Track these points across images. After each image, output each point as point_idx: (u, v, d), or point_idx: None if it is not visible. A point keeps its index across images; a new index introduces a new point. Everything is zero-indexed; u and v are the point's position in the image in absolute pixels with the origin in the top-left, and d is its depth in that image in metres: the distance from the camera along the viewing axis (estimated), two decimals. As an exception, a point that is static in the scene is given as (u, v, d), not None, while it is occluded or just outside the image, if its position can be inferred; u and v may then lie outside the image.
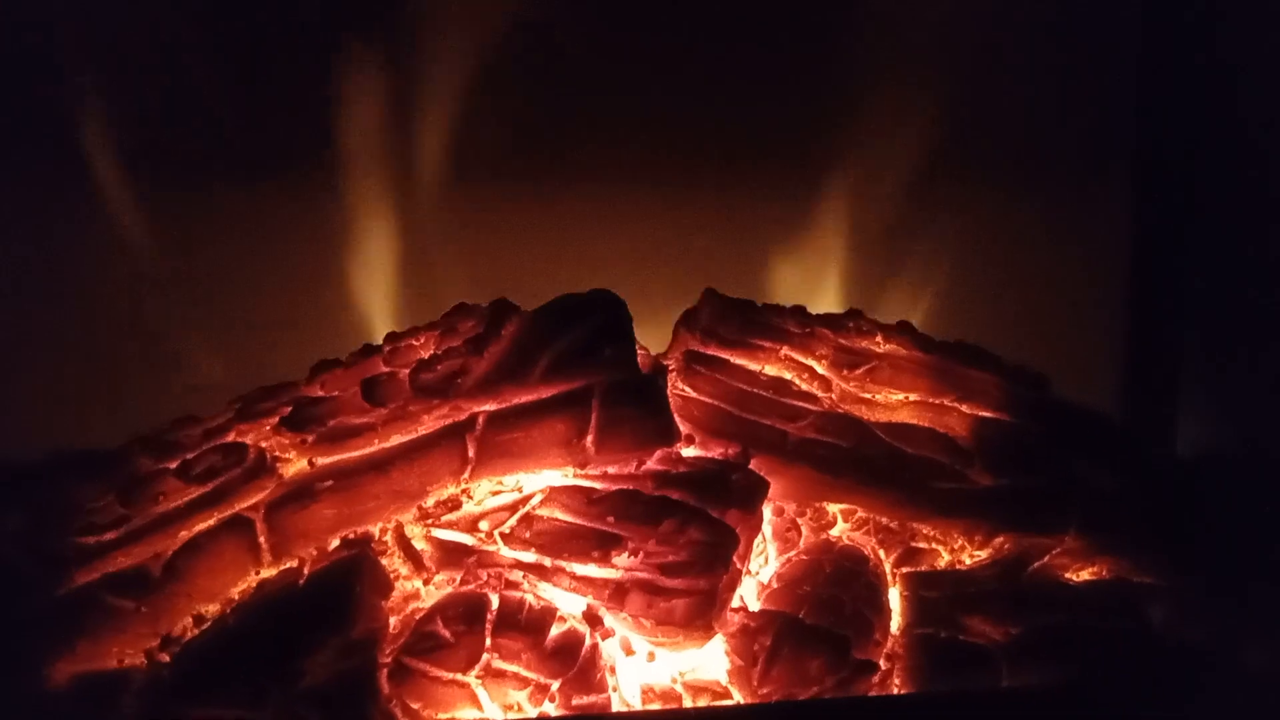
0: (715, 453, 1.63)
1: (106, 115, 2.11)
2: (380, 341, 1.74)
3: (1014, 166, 2.29)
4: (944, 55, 2.23)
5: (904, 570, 1.62)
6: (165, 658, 1.48)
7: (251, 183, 2.13)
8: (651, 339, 1.76)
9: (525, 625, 1.46)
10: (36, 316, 2.12)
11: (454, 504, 1.56)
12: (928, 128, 2.26)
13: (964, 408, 1.75)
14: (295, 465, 1.58)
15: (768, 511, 1.63)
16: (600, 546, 1.49)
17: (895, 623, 1.57)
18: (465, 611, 1.47)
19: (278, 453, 1.59)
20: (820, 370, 1.75)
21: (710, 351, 1.74)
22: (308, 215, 2.15)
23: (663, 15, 2.21)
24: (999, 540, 1.65)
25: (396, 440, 1.57)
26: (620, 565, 1.48)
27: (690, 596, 1.46)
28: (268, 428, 1.61)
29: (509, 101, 2.20)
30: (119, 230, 2.14)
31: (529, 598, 1.49)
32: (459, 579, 1.52)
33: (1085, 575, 1.65)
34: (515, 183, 2.20)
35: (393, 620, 1.49)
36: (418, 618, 1.48)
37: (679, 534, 1.49)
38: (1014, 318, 2.24)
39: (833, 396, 1.73)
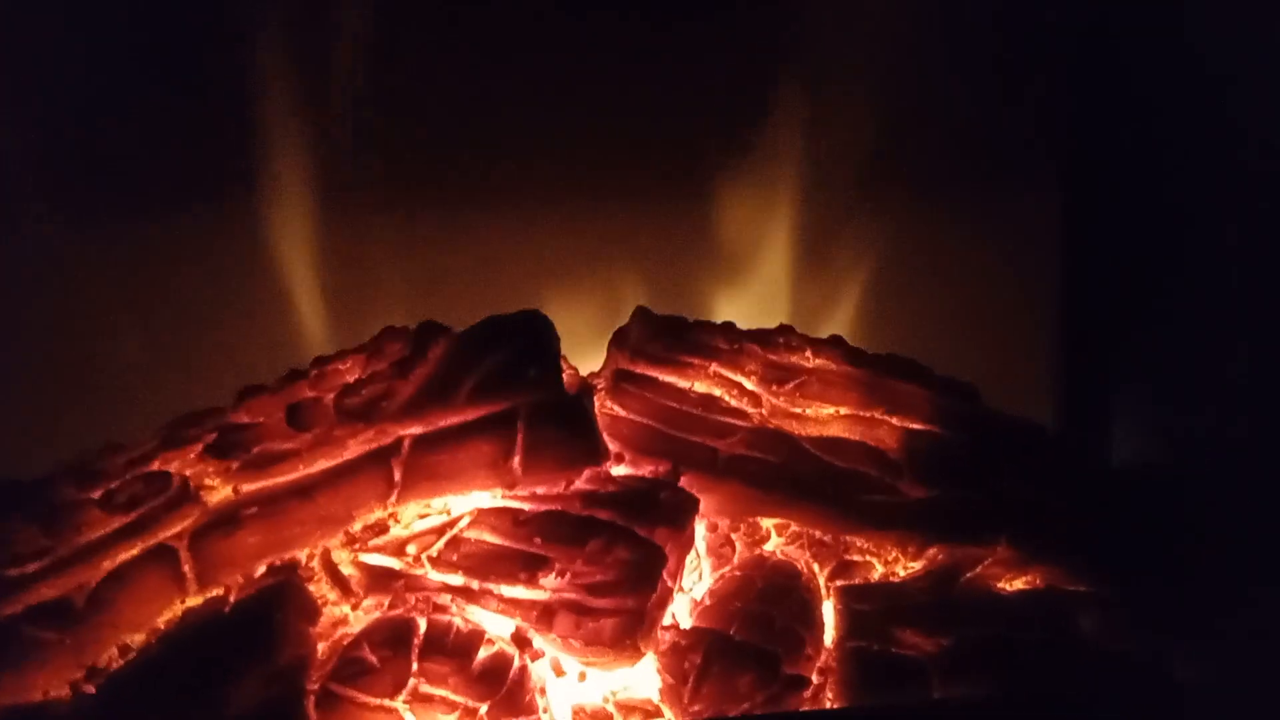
0: (646, 471, 1.63)
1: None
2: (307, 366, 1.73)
3: (942, 173, 2.29)
4: (873, 61, 2.23)
5: (838, 583, 1.63)
6: (90, 689, 1.46)
7: (170, 210, 2.12)
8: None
9: (452, 648, 1.45)
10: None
11: (381, 528, 1.56)
12: (855, 133, 2.26)
13: (894, 420, 1.76)
14: (220, 492, 1.57)
15: (701, 528, 1.64)
16: (527, 568, 1.49)
17: (830, 635, 1.57)
18: (391, 636, 1.46)
19: (203, 480, 1.58)
20: (750, 386, 1.75)
21: (639, 370, 1.74)
22: (233, 242, 2.14)
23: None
24: (932, 551, 1.66)
25: (322, 465, 1.56)
26: (547, 586, 1.48)
27: (618, 616, 1.46)
28: (192, 455, 1.60)
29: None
30: (49, 256, 2.11)
31: (457, 620, 1.48)
32: (387, 603, 1.51)
33: (1018, 584, 1.66)
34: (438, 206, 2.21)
35: (321, 646, 1.49)
36: (345, 643, 1.48)
37: (605, 553, 1.49)
38: (945, 328, 2.24)
39: (763, 412, 1.73)
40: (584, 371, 1.77)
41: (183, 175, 2.11)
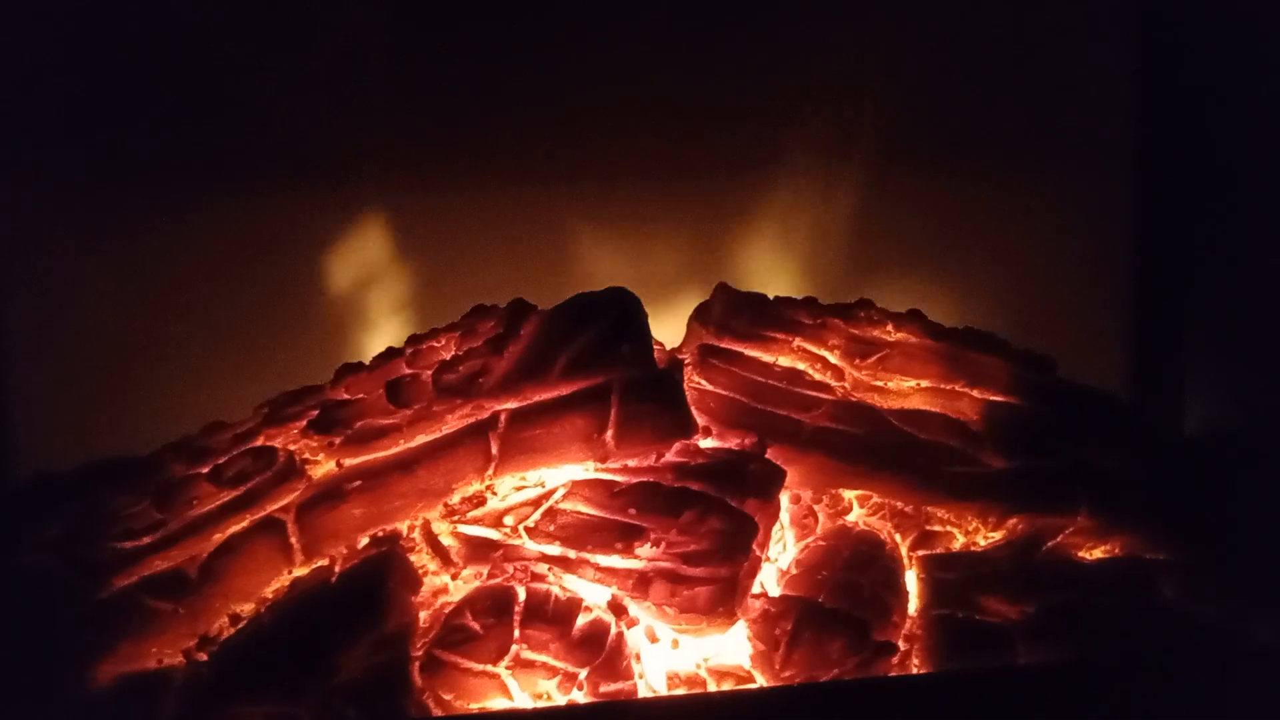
0: (732, 443, 1.67)
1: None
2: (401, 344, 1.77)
3: (1014, 149, 2.30)
4: (941, 30, 2.24)
5: (920, 553, 1.66)
6: (203, 656, 1.52)
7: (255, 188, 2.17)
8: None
9: (552, 616, 1.50)
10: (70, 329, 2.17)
11: (479, 500, 1.60)
12: (924, 105, 2.28)
13: (974, 393, 1.78)
14: (323, 467, 1.62)
15: (785, 499, 1.67)
16: (623, 538, 1.53)
17: (914, 604, 1.60)
18: (493, 604, 1.51)
19: (306, 455, 1.63)
20: (833, 360, 1.78)
21: (724, 345, 1.77)
22: (313, 220, 2.20)
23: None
24: (1013, 521, 1.68)
25: (421, 440, 1.61)
26: (643, 555, 1.52)
27: (712, 584, 1.49)
28: (295, 431, 1.65)
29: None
30: (151, 237, 2.17)
31: (555, 589, 1.53)
32: (486, 573, 1.56)
33: (1098, 553, 1.68)
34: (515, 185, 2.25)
35: (422, 615, 1.54)
36: (447, 612, 1.53)
37: (699, 524, 1.52)
38: (1019, 301, 2.26)
39: (845, 385, 1.77)
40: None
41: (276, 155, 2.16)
